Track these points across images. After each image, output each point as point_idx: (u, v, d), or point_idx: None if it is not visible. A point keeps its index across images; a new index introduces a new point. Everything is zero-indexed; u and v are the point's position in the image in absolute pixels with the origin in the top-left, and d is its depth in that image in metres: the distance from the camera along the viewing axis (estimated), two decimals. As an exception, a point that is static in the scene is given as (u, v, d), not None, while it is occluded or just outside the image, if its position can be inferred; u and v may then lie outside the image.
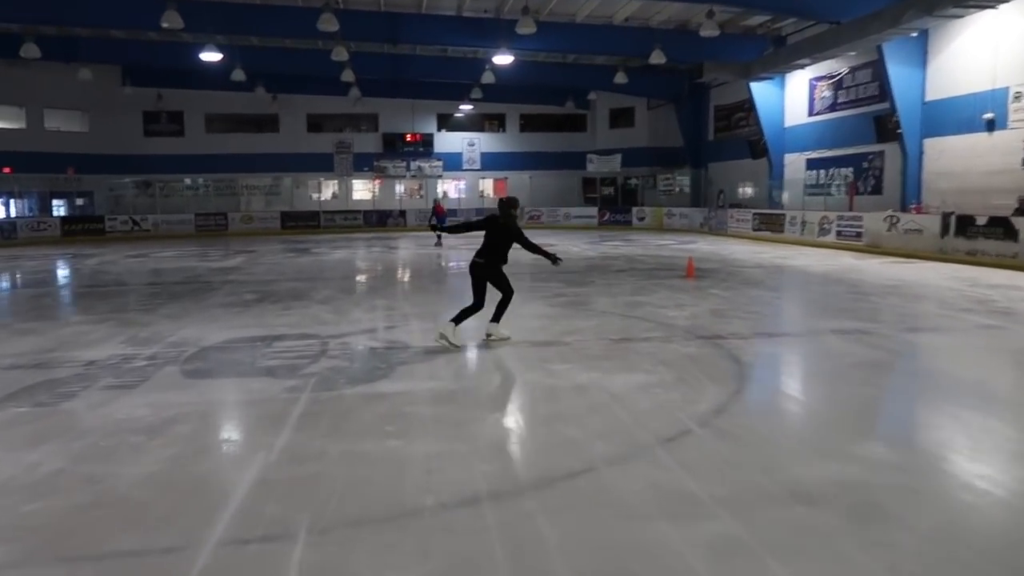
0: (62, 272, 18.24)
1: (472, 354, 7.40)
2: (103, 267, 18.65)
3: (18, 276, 17.17)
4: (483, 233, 7.64)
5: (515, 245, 7.54)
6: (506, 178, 37.24)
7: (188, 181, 34.54)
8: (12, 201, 31.29)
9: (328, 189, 36.46)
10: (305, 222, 33.54)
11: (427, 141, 36.74)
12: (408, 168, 36.26)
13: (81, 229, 30.56)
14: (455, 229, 8.35)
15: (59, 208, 32.73)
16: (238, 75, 26.46)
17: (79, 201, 33.29)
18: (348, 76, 26.85)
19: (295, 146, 35.05)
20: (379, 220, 33.86)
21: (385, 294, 12.41)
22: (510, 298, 7.63)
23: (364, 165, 35.85)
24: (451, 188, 37.41)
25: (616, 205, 35.47)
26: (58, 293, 14.40)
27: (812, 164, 24.40)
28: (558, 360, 6.93)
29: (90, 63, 26.74)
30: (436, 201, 26.30)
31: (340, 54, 22.50)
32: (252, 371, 6.78)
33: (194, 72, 28.98)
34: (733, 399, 5.66)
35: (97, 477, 4.12)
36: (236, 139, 34.66)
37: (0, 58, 25.42)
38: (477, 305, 7.51)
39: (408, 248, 23.04)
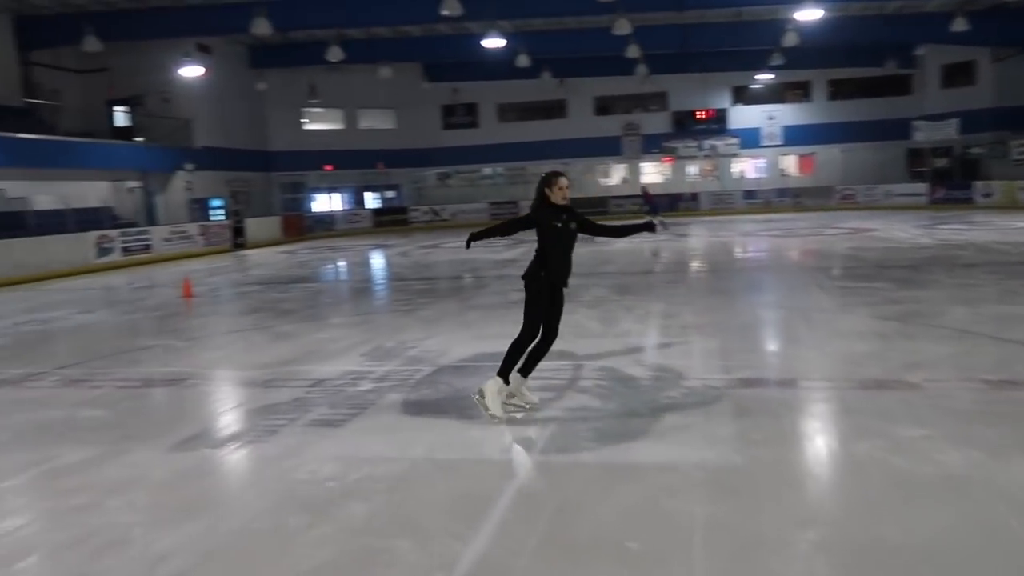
0: (356, 265, 18.95)
1: (766, 401, 5.31)
2: (395, 259, 19.17)
3: (318, 269, 18.08)
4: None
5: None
6: (813, 153, 33.11)
7: (488, 171, 35.36)
8: (333, 195, 34.66)
9: (617, 174, 35.24)
10: (594, 208, 32.59)
11: (720, 117, 33.90)
12: (700, 148, 33.74)
13: (389, 220, 33.21)
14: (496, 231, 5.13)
15: (372, 201, 35.57)
16: (523, 61, 26.16)
17: (388, 194, 35.90)
18: (633, 52, 25.19)
19: (583, 130, 34.24)
20: (670, 204, 31.77)
21: (664, 295, 10.61)
22: (528, 339, 4.91)
23: (653, 147, 34.06)
24: (748, 167, 34.18)
25: (952, 180, 29.76)
26: (339, 289, 14.65)
27: None
28: (905, 418, 4.61)
29: (391, 62, 28.13)
30: (643, 187, 24.52)
31: (622, 27, 20.88)
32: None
33: (484, 63, 29.29)
34: None
35: (209, 600, 2.92)
36: (526, 127, 34.77)
37: (318, 65, 27.61)
38: (544, 335, 5.01)
39: (700, 235, 20.92)
